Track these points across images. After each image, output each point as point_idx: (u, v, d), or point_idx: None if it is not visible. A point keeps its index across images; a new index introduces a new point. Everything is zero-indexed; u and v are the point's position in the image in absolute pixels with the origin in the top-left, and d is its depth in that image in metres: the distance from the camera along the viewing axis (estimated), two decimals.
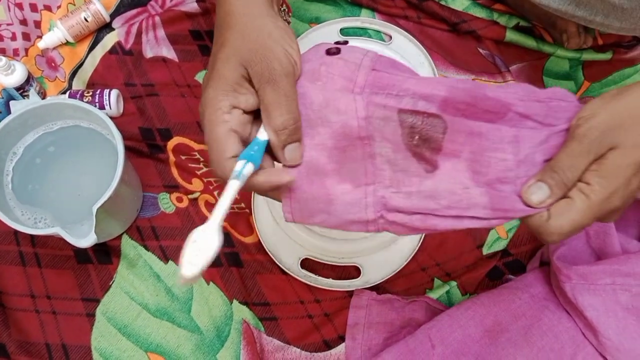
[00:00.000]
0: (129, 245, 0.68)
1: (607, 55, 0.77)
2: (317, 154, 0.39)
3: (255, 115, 0.40)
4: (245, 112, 0.39)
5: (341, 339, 0.64)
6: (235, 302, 0.66)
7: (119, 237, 0.68)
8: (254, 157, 0.37)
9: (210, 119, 0.38)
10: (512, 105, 0.39)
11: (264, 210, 0.68)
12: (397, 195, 0.39)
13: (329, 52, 0.41)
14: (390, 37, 0.77)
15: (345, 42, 0.44)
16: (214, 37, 0.42)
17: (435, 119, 0.39)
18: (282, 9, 0.43)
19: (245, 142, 0.39)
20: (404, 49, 0.76)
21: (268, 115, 0.38)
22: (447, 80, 0.39)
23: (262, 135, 0.39)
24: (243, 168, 0.36)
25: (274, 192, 0.40)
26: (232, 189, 0.36)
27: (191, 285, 0.39)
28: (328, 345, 0.64)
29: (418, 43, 0.76)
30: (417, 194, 0.39)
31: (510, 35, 0.77)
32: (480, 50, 0.78)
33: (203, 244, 0.35)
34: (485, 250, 0.68)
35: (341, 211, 0.39)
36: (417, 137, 0.39)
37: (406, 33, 0.77)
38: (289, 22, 0.78)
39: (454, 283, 0.66)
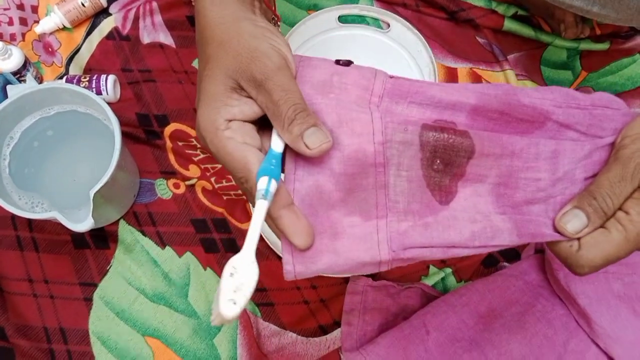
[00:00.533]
0: (126, 231, 0.68)
1: (604, 45, 0.77)
2: (324, 179, 0.34)
3: (261, 126, 0.36)
4: (245, 122, 0.35)
5: (337, 324, 0.65)
6: None
7: (116, 222, 0.68)
8: (275, 172, 0.33)
9: (214, 142, 0.34)
10: (550, 113, 0.36)
11: None
12: (414, 230, 0.34)
13: (338, 62, 0.37)
14: (389, 25, 0.77)
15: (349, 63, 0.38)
16: (198, 55, 0.39)
17: (463, 139, 0.35)
18: (272, 18, 0.42)
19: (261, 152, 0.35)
20: (402, 37, 0.76)
21: (273, 113, 0.34)
22: (476, 86, 0.36)
23: (276, 145, 0.35)
24: (268, 186, 0.32)
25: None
26: (262, 210, 0.32)
27: (229, 324, 0.35)
28: (324, 331, 0.65)
29: (416, 31, 0.76)
30: (435, 225, 0.35)
31: (509, 24, 0.77)
32: (479, 39, 0.78)
33: (241, 278, 0.31)
34: None
35: (349, 248, 0.34)
36: (438, 161, 0.35)
37: (404, 21, 0.76)
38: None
39: (449, 270, 0.67)
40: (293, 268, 0.34)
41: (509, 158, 0.35)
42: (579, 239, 0.34)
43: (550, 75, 0.77)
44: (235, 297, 0.30)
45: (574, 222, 0.34)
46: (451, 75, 0.76)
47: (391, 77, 0.37)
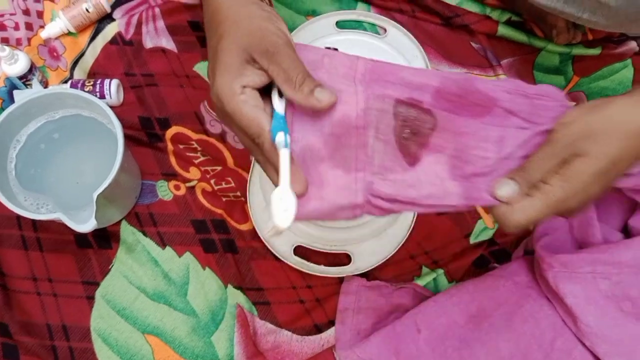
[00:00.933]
0: (127, 231, 0.70)
1: (596, 51, 0.78)
2: (315, 139, 0.42)
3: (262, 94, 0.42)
4: (254, 89, 0.41)
5: (331, 323, 0.66)
6: (230, 286, 0.68)
7: (118, 223, 0.70)
8: (286, 129, 0.40)
9: (231, 105, 0.40)
10: (498, 100, 0.41)
11: (259, 199, 0.71)
12: (384, 182, 0.42)
13: (327, 48, 0.45)
14: (385, 30, 0.79)
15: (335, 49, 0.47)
16: (206, 37, 0.45)
17: (427, 115, 0.42)
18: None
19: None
20: (399, 42, 0.77)
21: (284, 79, 0.40)
22: (441, 72, 0.43)
23: (279, 109, 0.41)
24: (286, 138, 0.39)
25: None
26: (286, 156, 0.39)
27: (278, 235, 0.42)
28: (319, 329, 0.66)
29: (412, 37, 0.77)
30: (401, 182, 0.42)
31: (502, 30, 0.79)
32: (473, 44, 0.80)
33: (286, 203, 0.39)
34: (472, 239, 0.70)
35: (333, 195, 0.41)
36: (408, 130, 0.42)
37: (401, 27, 0.78)
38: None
39: (441, 271, 0.68)
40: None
41: (464, 136, 0.42)
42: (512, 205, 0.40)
43: (543, 79, 0.79)
44: (285, 215, 0.39)
45: (504, 189, 0.41)
46: None
47: (372, 60, 0.43)
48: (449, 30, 0.81)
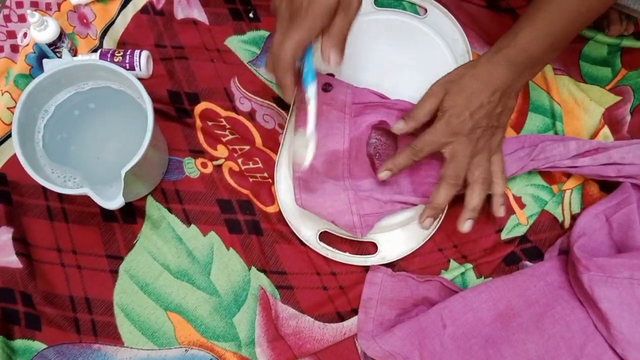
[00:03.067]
0: (153, 207, 0.69)
1: None
2: (316, 162, 0.63)
3: None
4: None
5: (354, 312, 0.65)
6: (253, 268, 0.67)
7: (144, 198, 0.69)
8: (315, 79, 0.54)
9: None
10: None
11: (286, 182, 0.69)
12: (362, 184, 0.65)
13: (324, 89, 0.65)
14: (426, 11, 0.76)
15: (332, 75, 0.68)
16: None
17: (391, 141, 0.68)
18: None
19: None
20: (439, 24, 0.74)
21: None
22: (400, 101, 0.66)
23: (317, 64, 0.54)
24: (315, 90, 0.54)
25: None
26: (314, 106, 0.54)
27: (299, 166, 0.58)
28: (341, 317, 0.65)
29: (453, 18, 0.74)
30: (370, 186, 0.65)
31: None
32: None
33: (308, 140, 0.54)
34: (504, 235, 0.68)
35: (328, 194, 0.62)
36: (377, 154, 0.68)
37: (442, 7, 0.75)
38: None
39: (469, 265, 0.66)
40: (300, 197, 0.62)
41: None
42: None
43: (588, 71, 0.75)
44: (306, 151, 0.55)
45: (408, 123, 0.61)
46: None
47: (354, 103, 0.65)
48: (493, 13, 0.77)
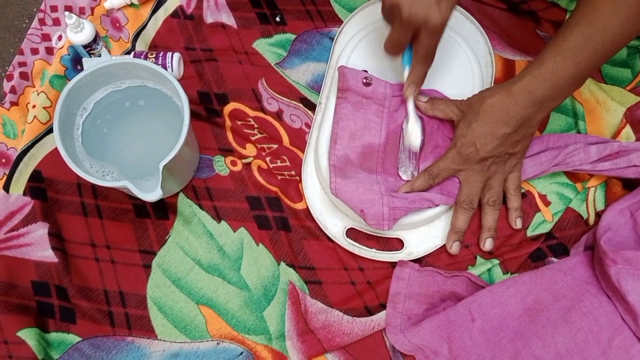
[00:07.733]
0: (184, 204, 0.71)
1: None
2: (352, 153, 0.66)
3: None
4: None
5: (382, 306, 0.66)
6: (282, 264, 0.68)
7: (176, 195, 0.71)
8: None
9: None
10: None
11: (313, 179, 0.71)
12: (394, 182, 0.67)
13: (365, 83, 0.67)
14: None
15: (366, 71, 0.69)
16: None
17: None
18: None
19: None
20: (460, 26, 0.76)
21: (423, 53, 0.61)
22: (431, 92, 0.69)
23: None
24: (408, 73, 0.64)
25: None
26: (412, 103, 0.65)
27: (416, 148, 0.65)
28: (369, 312, 0.66)
29: (475, 21, 0.76)
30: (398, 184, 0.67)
31: None
32: (539, 32, 0.78)
33: (415, 129, 0.64)
34: (530, 232, 0.69)
35: (363, 185, 0.63)
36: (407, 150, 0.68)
37: (463, 10, 0.76)
38: None
39: (496, 261, 0.67)
40: (335, 182, 0.64)
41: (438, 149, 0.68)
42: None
43: (609, 72, 0.77)
44: (415, 137, 0.65)
45: (428, 103, 0.67)
46: (509, 68, 0.76)
47: (394, 96, 0.67)
48: (514, 17, 0.79)
